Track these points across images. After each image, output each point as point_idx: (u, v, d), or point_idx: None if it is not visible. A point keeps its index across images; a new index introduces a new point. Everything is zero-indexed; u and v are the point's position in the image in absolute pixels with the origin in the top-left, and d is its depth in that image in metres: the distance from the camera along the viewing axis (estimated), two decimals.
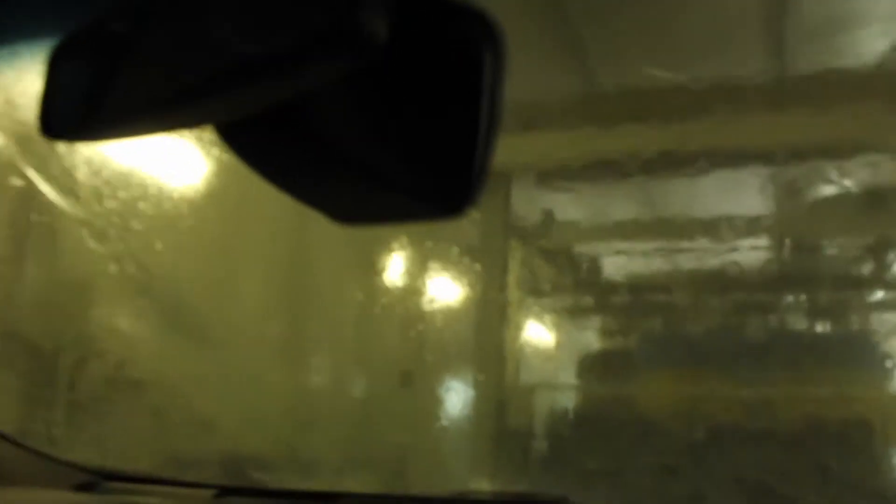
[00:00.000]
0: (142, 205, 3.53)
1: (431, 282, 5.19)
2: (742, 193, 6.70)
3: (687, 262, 7.77)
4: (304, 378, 4.66)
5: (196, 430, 3.62)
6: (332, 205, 0.73)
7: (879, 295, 7.52)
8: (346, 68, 0.59)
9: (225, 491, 1.78)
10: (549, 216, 6.54)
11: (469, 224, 4.98)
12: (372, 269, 5.00)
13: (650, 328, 7.70)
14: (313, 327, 4.79)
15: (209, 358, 3.96)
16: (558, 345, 8.49)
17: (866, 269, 7.48)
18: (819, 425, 4.70)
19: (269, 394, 4.20)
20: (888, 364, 5.81)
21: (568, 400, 6.46)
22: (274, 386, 4.29)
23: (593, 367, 6.66)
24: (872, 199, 5.99)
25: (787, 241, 7.17)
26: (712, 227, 6.88)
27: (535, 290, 7.02)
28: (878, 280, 7.38)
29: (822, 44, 4.87)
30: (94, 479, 1.81)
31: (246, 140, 0.67)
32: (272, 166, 0.69)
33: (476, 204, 0.65)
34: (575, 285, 7.43)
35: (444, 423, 4.87)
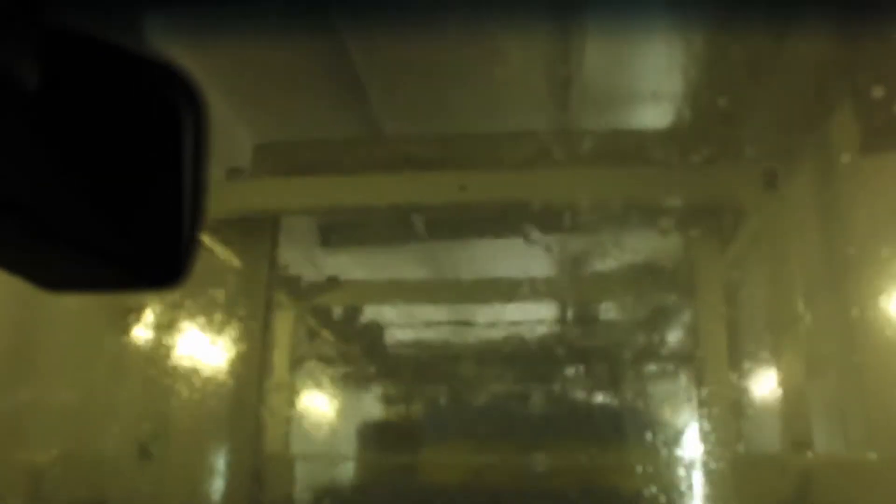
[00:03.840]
0: None
1: (184, 340, 4.64)
2: (527, 259, 6.66)
3: (471, 332, 7.64)
4: (30, 453, 3.95)
5: None
6: (34, 271, 0.67)
7: (652, 367, 7.71)
8: None
9: None
10: (326, 271, 6.17)
11: (231, 276, 4.50)
12: (117, 326, 4.40)
13: (433, 398, 7.46)
14: (43, 392, 4.09)
15: None
16: (330, 413, 8.05)
17: (641, 341, 7.66)
18: (593, 492, 4.56)
19: None
20: (659, 434, 5.85)
21: (339, 472, 6.03)
22: None
23: (369, 438, 6.29)
24: (648, 275, 6.09)
25: (568, 313, 7.20)
26: (496, 294, 6.78)
27: (306, 354, 6.58)
28: (651, 353, 7.56)
29: (605, 111, 4.90)
30: None
31: None
32: None
33: (187, 276, 0.62)
34: (350, 350, 7.07)
35: (193, 498, 4.28)
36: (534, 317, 7.16)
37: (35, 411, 4.04)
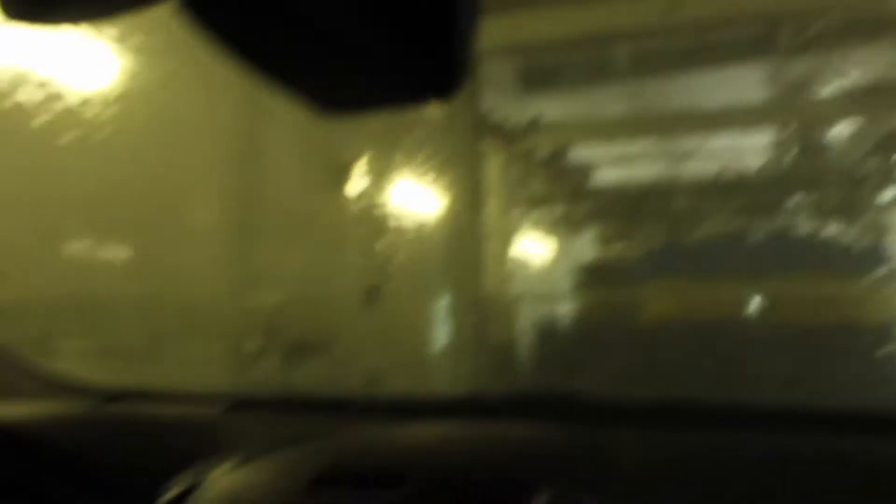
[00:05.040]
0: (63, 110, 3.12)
1: (399, 190, 4.80)
2: (742, 85, 6.29)
3: (684, 166, 7.40)
4: (260, 297, 4.31)
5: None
6: (312, 89, 0.66)
7: (886, 194, 7.16)
8: None
9: (235, 405, 1.58)
10: (531, 114, 6.11)
11: (437, 124, 4.56)
12: (334, 179, 4.61)
13: (649, 236, 7.38)
14: (269, 243, 4.41)
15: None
16: (546, 254, 8.17)
17: (872, 167, 7.11)
18: (820, 327, 4.39)
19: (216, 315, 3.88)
20: (891, 265, 5.52)
21: (558, 311, 6.14)
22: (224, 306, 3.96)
23: (586, 277, 6.33)
24: (877, 95, 5.60)
25: (791, 139, 6.78)
26: (711, 124, 6.48)
27: (519, 197, 6.63)
28: (884, 179, 7.02)
29: None
30: (98, 400, 1.62)
31: (212, 14, 0.60)
32: (244, 43, 0.62)
33: (462, 87, 0.59)
34: (562, 191, 7.05)
35: (418, 340, 4.54)
36: (753, 146, 6.83)
37: (267, 262, 4.37)
